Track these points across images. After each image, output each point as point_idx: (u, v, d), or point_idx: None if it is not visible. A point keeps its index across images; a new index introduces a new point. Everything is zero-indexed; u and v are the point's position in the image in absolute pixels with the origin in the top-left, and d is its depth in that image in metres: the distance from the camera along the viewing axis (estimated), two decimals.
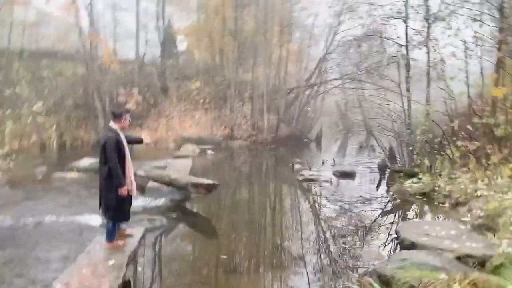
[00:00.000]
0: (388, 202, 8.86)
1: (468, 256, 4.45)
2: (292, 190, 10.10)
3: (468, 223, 6.66)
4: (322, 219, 7.23)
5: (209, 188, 7.13)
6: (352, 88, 25.73)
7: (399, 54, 11.10)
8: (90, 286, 3.80)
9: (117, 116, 4.93)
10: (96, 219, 6.44)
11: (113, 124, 4.93)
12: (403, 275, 3.71)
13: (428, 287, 3.42)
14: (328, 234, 6.31)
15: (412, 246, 5.17)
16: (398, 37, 10.99)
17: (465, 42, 11.11)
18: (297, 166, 12.47)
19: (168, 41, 26.04)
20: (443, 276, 3.52)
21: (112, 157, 4.71)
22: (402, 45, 10.83)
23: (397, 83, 11.20)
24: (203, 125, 21.71)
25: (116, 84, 22.17)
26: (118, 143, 4.77)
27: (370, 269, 4.18)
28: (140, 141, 5.50)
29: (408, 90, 10.63)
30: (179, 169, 10.43)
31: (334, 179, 10.95)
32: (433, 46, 10.38)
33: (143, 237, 5.29)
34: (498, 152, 9.28)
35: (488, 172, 8.60)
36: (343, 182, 10.85)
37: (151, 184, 8.37)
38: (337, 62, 24.95)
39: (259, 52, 22.75)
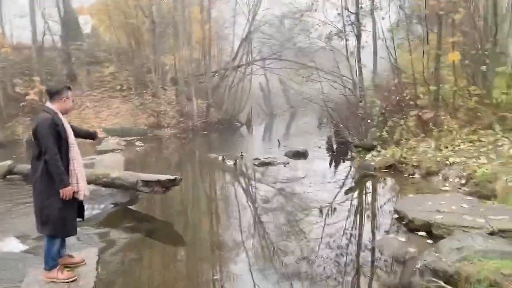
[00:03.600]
0: (356, 179, 8.29)
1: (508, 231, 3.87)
2: (246, 178, 8.97)
3: (450, 192, 6.37)
4: (306, 205, 6.29)
5: (168, 185, 5.69)
6: (279, 69, 25.53)
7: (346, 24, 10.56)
8: None
9: (54, 94, 3.50)
10: (16, 244, 4.67)
11: (49, 104, 3.48)
12: (476, 269, 2.92)
13: None
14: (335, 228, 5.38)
15: (426, 226, 4.49)
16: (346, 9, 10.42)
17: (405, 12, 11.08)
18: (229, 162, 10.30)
19: (70, 22, 22.66)
20: None
21: (48, 145, 3.27)
22: (353, 13, 10.30)
23: (345, 55, 10.69)
24: (123, 115, 19.36)
25: (11, 73, 18.59)
26: (56, 126, 3.33)
27: (419, 267, 3.31)
28: (92, 136, 4.02)
29: (359, 60, 10.16)
30: (111, 165, 8.64)
31: (288, 160, 10.13)
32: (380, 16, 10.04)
33: (98, 261, 3.78)
34: (451, 119, 9.32)
35: (445, 139, 8.55)
36: (299, 162, 10.10)
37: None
38: (263, 41, 24.34)
39: (180, 32, 20.85)
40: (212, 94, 22.15)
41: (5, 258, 4.10)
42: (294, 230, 5.14)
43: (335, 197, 6.73)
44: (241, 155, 10.56)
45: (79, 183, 3.44)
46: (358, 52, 10.17)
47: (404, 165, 8.16)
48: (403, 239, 4.39)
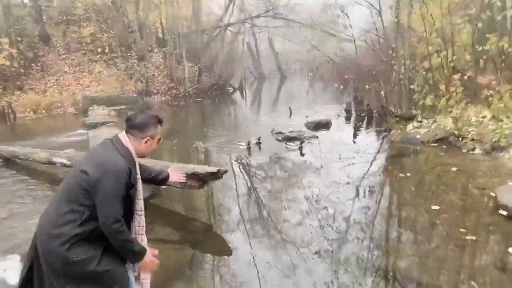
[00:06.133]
0: (407, 155, 7.12)
1: None
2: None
3: None
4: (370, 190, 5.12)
5: (208, 179, 4.37)
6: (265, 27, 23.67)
7: None
8: None
9: (138, 128, 2.25)
10: (12, 274, 3.35)
11: (125, 139, 2.21)
12: None
13: None
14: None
15: None
16: None
17: None
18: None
19: None
20: None
21: (113, 207, 2.04)
22: None
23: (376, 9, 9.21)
24: (108, 81, 17.38)
25: None
26: (129, 178, 2.11)
27: None
28: (165, 179, 2.75)
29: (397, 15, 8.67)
30: None
31: (311, 132, 8.88)
32: None
33: None
34: (503, 83, 8.19)
35: (498, 107, 7.45)
36: (326, 135, 8.87)
37: None
38: None
39: None
40: (202, 57, 20.30)
41: None
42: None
43: (388, 181, 5.60)
44: (259, 141, 7.93)
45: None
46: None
47: (460, 139, 7.07)
48: None
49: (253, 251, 3.65)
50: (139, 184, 2.23)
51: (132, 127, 2.23)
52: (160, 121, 2.32)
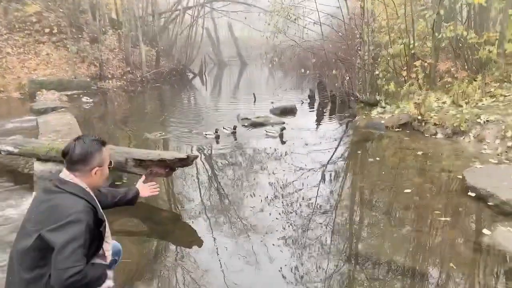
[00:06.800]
0: (371, 140, 7.18)
1: None
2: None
3: (493, 156, 5.56)
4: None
5: (176, 165, 4.06)
6: (235, 12, 23.09)
7: None
8: None
9: (80, 161, 1.88)
10: None
11: (73, 178, 1.87)
12: None
13: None
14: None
15: None
16: None
17: None
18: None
19: None
20: None
21: (70, 260, 1.63)
22: None
23: None
24: (57, 64, 16.19)
25: None
26: (98, 219, 1.85)
27: None
28: (135, 197, 2.41)
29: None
30: (63, 131, 6.66)
31: (277, 118, 8.74)
32: None
33: None
34: (461, 70, 8.49)
35: (458, 94, 7.71)
36: (292, 121, 8.77)
37: (42, 167, 4.67)
38: None
39: None
40: (159, 41, 19.48)
41: None
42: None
43: (356, 165, 5.61)
44: (234, 131, 7.35)
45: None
46: None
47: (422, 124, 7.23)
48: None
49: (218, 240, 3.44)
50: (106, 224, 1.92)
51: (73, 162, 1.86)
52: (103, 143, 1.97)
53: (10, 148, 5.21)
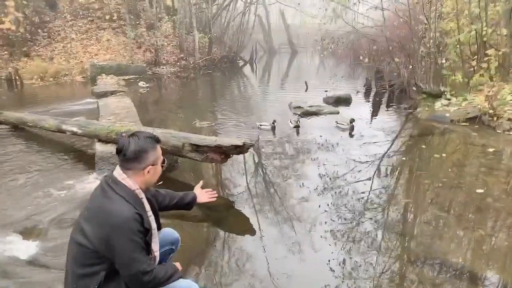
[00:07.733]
0: (435, 134, 6.69)
1: None
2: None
3: None
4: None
5: (232, 152, 4.00)
6: None
7: None
8: None
9: (134, 159, 1.82)
10: (23, 248, 3.08)
11: (124, 178, 1.81)
12: None
13: None
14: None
15: None
16: None
17: None
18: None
19: None
20: None
21: (135, 256, 1.70)
22: None
23: None
24: (116, 50, 16.88)
25: None
26: (144, 229, 1.78)
27: None
28: (193, 202, 2.36)
29: None
30: (121, 114, 6.85)
31: (331, 108, 8.43)
32: None
33: None
34: None
35: None
36: (346, 111, 8.42)
37: (102, 148, 4.83)
38: None
39: None
40: (212, 28, 19.60)
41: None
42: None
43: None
44: (297, 124, 6.86)
45: None
46: None
47: (494, 118, 6.60)
48: None
49: (272, 230, 3.37)
50: (153, 223, 1.88)
51: (127, 160, 1.81)
52: (157, 140, 1.89)
53: (75, 129, 5.46)
